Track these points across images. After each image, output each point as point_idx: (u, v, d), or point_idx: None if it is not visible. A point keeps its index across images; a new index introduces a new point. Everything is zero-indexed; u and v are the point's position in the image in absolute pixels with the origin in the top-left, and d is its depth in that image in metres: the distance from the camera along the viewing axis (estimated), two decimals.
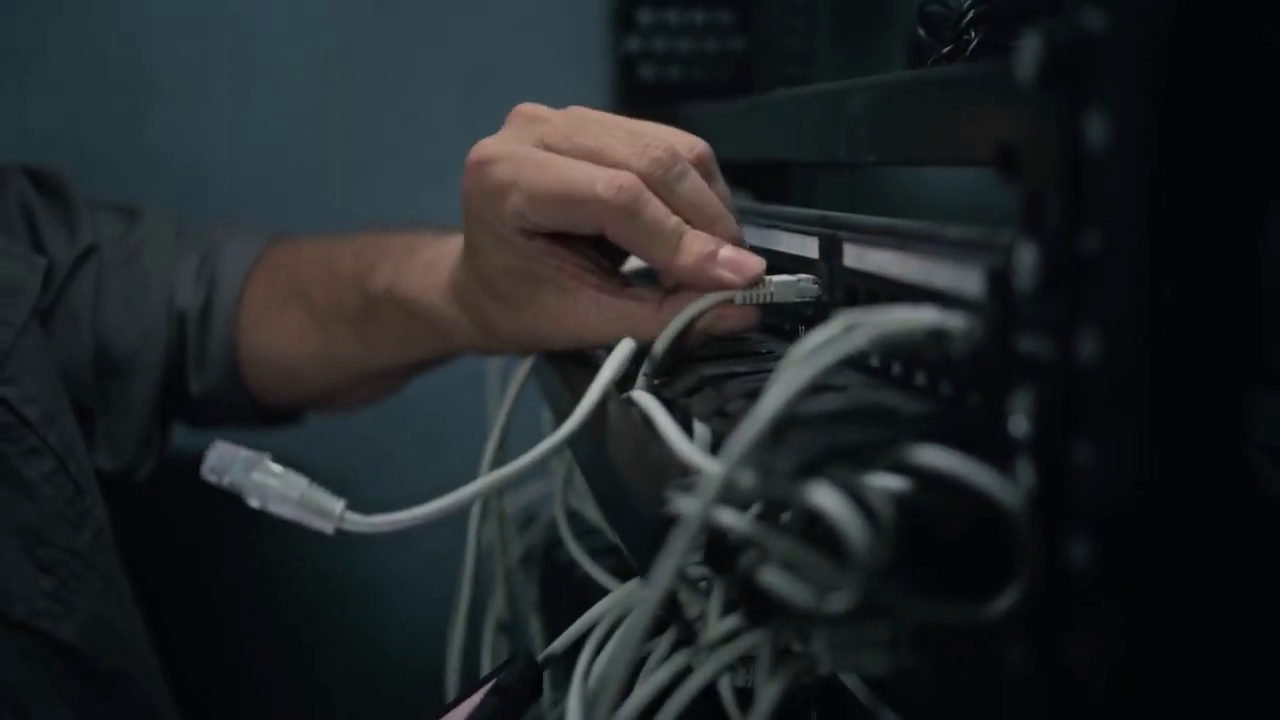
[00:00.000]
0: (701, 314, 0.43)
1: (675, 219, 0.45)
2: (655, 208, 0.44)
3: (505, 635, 0.59)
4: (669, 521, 0.32)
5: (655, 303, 0.46)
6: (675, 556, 0.29)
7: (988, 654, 0.30)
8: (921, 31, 0.49)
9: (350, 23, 0.91)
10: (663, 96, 0.78)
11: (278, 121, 0.91)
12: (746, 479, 0.29)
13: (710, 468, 0.29)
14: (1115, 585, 0.27)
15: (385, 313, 0.60)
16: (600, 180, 0.44)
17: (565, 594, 0.64)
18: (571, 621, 0.61)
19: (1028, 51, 0.27)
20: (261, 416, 0.73)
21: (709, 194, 0.46)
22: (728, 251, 0.44)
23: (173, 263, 0.71)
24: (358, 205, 0.92)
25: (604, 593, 0.56)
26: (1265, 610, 0.27)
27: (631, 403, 0.41)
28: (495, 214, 0.47)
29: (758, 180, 0.79)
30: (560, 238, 0.48)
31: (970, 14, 0.43)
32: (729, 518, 0.29)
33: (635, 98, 0.79)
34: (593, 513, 0.62)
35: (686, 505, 0.29)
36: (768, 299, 0.42)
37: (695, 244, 0.44)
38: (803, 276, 0.41)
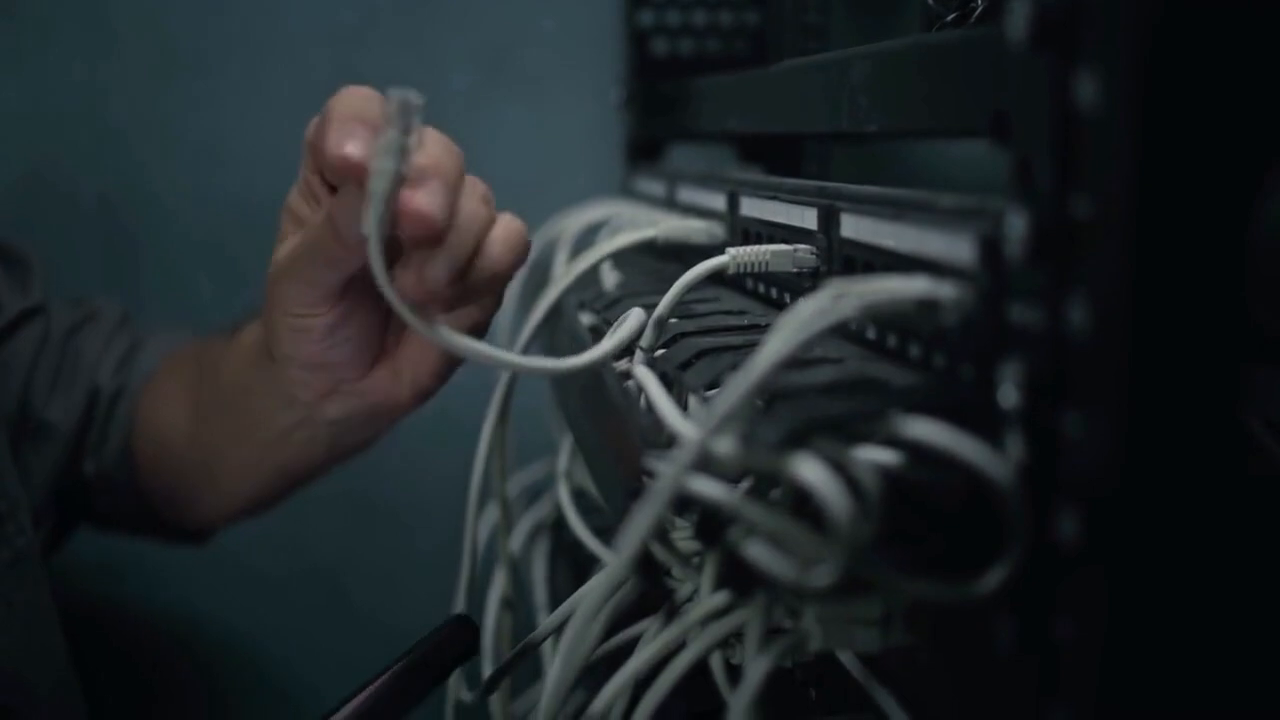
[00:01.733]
0: (697, 280, 0.41)
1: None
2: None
3: (510, 612, 0.58)
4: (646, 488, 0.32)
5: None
6: (646, 519, 0.28)
7: (979, 631, 0.29)
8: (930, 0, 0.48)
9: None
10: (676, 71, 0.78)
11: (294, 97, 0.90)
12: (730, 449, 0.28)
13: (688, 433, 0.28)
14: (1104, 560, 0.26)
15: (257, 358, 0.56)
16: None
17: (571, 571, 0.64)
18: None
19: (1019, 13, 0.26)
20: (150, 516, 0.70)
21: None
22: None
23: (105, 346, 0.70)
24: None
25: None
26: (1259, 586, 0.26)
27: (627, 375, 0.41)
28: None
29: (770, 154, 0.78)
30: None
31: None
32: (705, 485, 0.28)
33: (648, 72, 0.79)
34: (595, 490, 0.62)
35: (661, 470, 0.28)
36: (763, 268, 0.41)
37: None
38: (799, 246, 0.41)
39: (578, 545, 0.63)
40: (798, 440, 0.28)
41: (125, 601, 0.94)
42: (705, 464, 0.28)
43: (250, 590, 0.95)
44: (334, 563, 0.96)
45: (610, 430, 0.37)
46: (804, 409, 0.30)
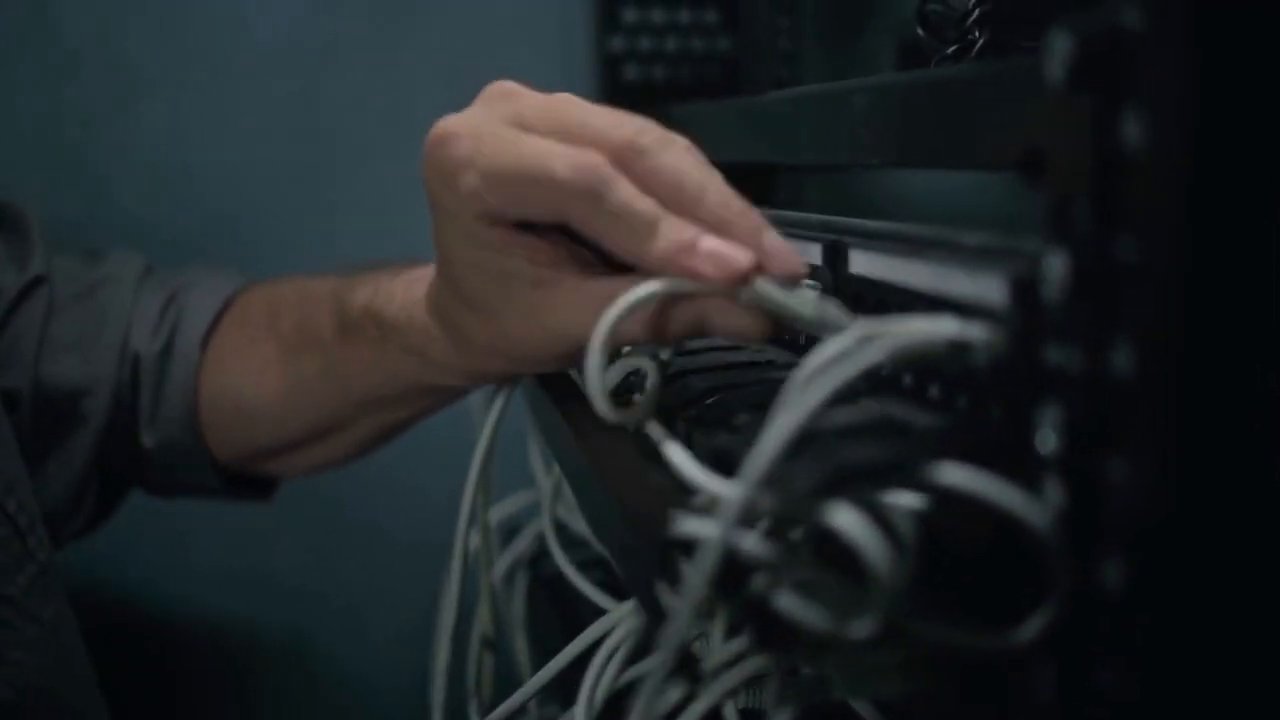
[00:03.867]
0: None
1: (649, 202, 0.38)
2: (623, 190, 0.38)
3: (490, 651, 0.57)
4: (676, 545, 0.30)
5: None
6: (697, 588, 0.27)
7: (1011, 680, 0.28)
8: (921, 31, 0.48)
9: (333, 20, 0.89)
10: (648, 97, 0.77)
11: (260, 119, 0.89)
12: (765, 501, 0.28)
13: (728, 491, 0.28)
14: (1151, 609, 0.25)
15: (361, 333, 0.53)
16: (560, 158, 0.38)
17: (552, 607, 0.62)
18: (558, 636, 0.59)
19: (1057, 50, 0.26)
20: (222, 479, 0.66)
21: (698, 171, 0.39)
22: (710, 242, 0.37)
23: (132, 304, 0.65)
24: (340, 203, 0.90)
25: (592, 607, 0.55)
26: None
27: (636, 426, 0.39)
28: (452, 196, 0.41)
29: (742, 183, 0.78)
30: (532, 226, 0.41)
31: (975, 12, 0.42)
32: (749, 542, 0.27)
33: (620, 98, 0.78)
34: (580, 525, 0.61)
35: (704, 529, 0.27)
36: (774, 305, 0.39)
37: (671, 232, 0.37)
38: (806, 282, 0.39)
39: (557, 581, 0.62)
40: (831, 488, 0.28)
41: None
42: (745, 518, 0.27)
43: (217, 624, 0.93)
44: (307, 593, 0.94)
45: (621, 481, 0.35)
46: (832, 454, 0.29)
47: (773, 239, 0.37)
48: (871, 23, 0.77)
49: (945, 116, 0.34)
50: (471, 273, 0.43)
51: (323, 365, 0.57)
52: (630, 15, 0.77)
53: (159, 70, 0.87)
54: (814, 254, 0.40)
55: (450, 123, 0.42)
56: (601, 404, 0.37)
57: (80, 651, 0.59)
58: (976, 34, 0.43)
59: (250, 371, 0.62)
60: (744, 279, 0.37)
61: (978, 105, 0.32)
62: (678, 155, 0.39)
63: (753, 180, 0.77)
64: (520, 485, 0.71)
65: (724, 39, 0.78)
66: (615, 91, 0.78)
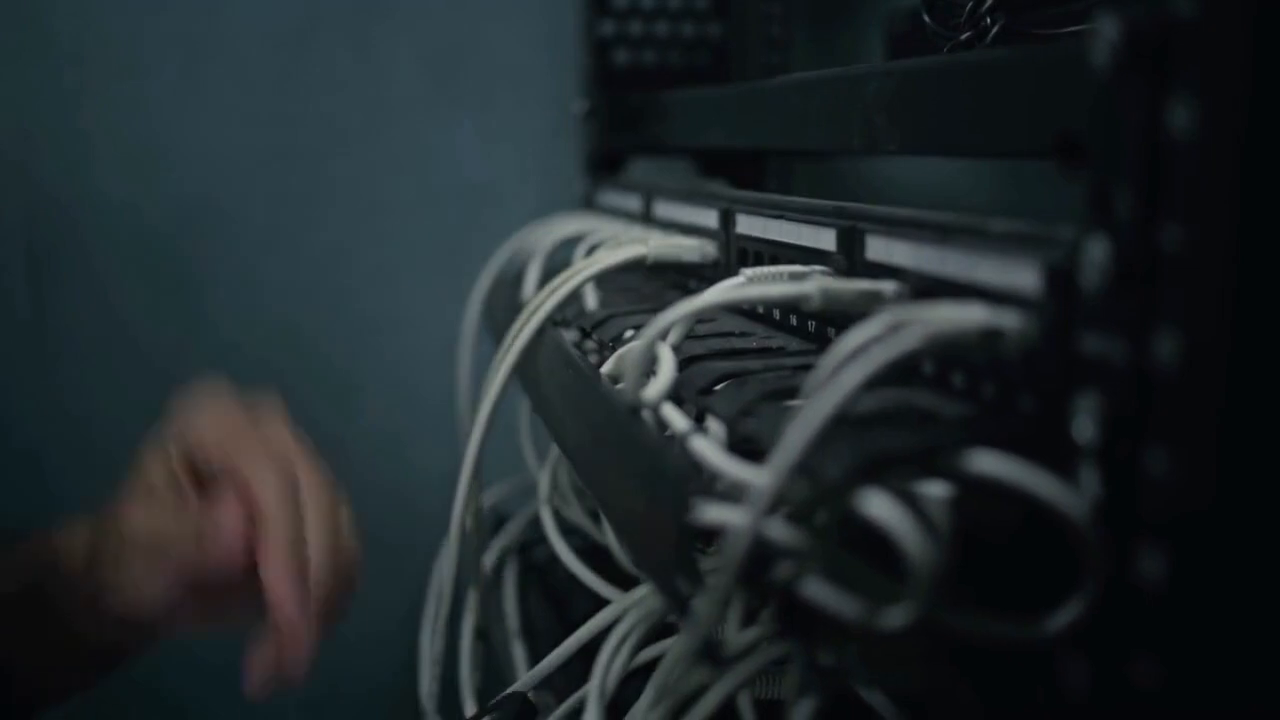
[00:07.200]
0: (717, 305, 0.39)
1: None
2: None
3: (481, 639, 0.56)
4: (697, 532, 0.30)
5: None
6: (726, 579, 0.27)
7: (1040, 673, 0.28)
8: (926, 17, 0.47)
9: (314, 2, 0.88)
10: (638, 82, 0.76)
11: (235, 101, 0.88)
12: (794, 487, 0.27)
13: (758, 478, 0.27)
14: (1192, 600, 0.25)
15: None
16: None
17: (543, 594, 0.62)
18: (549, 622, 0.59)
19: (1104, 36, 0.26)
20: None
21: None
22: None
23: None
24: (318, 185, 0.89)
25: (587, 593, 0.54)
26: None
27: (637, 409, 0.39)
28: None
29: (734, 169, 0.77)
30: None
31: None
32: (779, 531, 0.27)
33: (609, 83, 0.77)
34: (571, 512, 0.60)
35: (732, 517, 0.27)
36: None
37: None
38: (815, 268, 0.39)
39: (547, 567, 0.61)
40: (863, 475, 0.27)
41: None
42: (776, 506, 0.27)
43: None
44: None
45: (639, 467, 0.35)
46: (860, 441, 0.29)
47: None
48: (862, 10, 0.77)
49: (973, 102, 0.34)
50: None
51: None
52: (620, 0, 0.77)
53: (137, 52, 0.85)
54: (826, 239, 0.40)
55: None
56: (633, 394, 0.36)
57: None
58: (989, 21, 0.42)
59: None
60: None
61: (1009, 91, 0.32)
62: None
63: (742, 165, 0.77)
64: (503, 474, 0.70)
65: (715, 24, 0.77)
66: (604, 77, 0.77)
